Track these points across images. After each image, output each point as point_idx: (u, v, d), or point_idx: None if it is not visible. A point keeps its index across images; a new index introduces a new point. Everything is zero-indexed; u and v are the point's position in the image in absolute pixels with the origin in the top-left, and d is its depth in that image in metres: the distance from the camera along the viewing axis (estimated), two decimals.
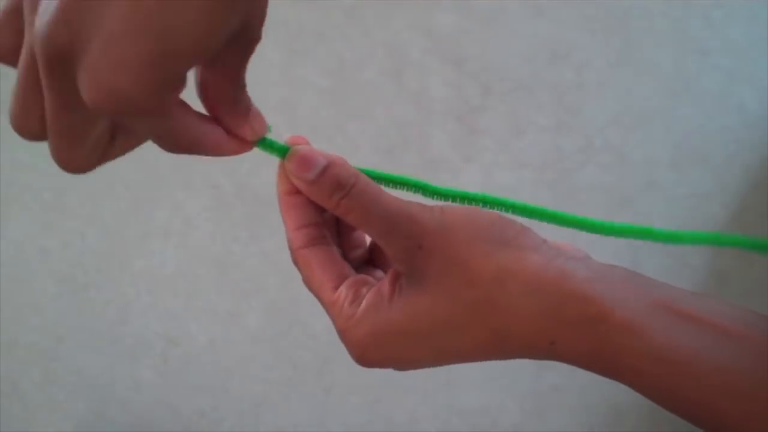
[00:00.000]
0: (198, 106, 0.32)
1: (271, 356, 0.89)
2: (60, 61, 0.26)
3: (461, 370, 0.89)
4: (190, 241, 0.93)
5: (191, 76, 0.31)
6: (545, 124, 0.87)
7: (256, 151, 0.36)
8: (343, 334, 0.35)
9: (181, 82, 0.28)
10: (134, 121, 0.28)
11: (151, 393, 0.91)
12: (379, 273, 0.40)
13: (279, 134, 0.35)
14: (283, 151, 0.36)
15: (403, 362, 0.35)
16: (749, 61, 0.85)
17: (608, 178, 0.85)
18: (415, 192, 0.38)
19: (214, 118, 0.33)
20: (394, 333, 0.34)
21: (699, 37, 0.86)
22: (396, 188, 0.37)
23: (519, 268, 0.33)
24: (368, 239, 0.41)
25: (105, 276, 0.94)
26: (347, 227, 0.40)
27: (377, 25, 0.93)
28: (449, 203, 0.36)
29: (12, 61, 0.30)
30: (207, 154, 0.34)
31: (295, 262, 0.38)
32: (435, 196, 0.37)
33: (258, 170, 0.91)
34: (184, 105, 0.31)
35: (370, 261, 0.41)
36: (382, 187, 0.36)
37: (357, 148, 0.90)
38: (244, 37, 0.29)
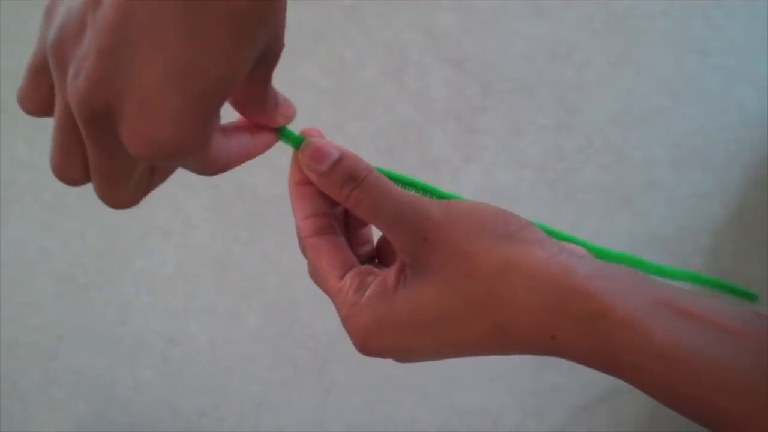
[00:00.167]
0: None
1: (271, 356, 0.89)
2: (99, 118, 0.27)
3: (461, 370, 0.89)
4: (190, 241, 0.93)
5: None
6: (545, 124, 0.87)
7: None
8: (346, 321, 0.35)
9: (217, 118, 0.29)
10: (179, 162, 0.29)
11: (151, 393, 0.91)
12: (385, 270, 0.40)
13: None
14: (297, 142, 0.37)
15: (404, 352, 0.35)
16: (749, 61, 0.85)
17: (608, 178, 0.85)
18: (422, 194, 0.39)
19: (245, 116, 0.35)
20: (396, 322, 0.34)
21: (699, 37, 0.86)
22: (403, 188, 0.38)
23: (522, 261, 0.33)
24: (375, 237, 0.41)
25: (105, 276, 0.94)
26: (355, 224, 0.40)
27: (377, 25, 0.93)
28: (455, 199, 0.37)
29: (44, 113, 0.31)
30: (237, 165, 0.36)
31: (303, 250, 0.38)
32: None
33: (258, 170, 0.91)
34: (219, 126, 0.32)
35: (377, 258, 0.41)
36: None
37: (357, 148, 0.90)
38: (271, 51, 0.30)
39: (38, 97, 0.31)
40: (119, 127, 0.27)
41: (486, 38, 0.91)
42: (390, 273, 0.35)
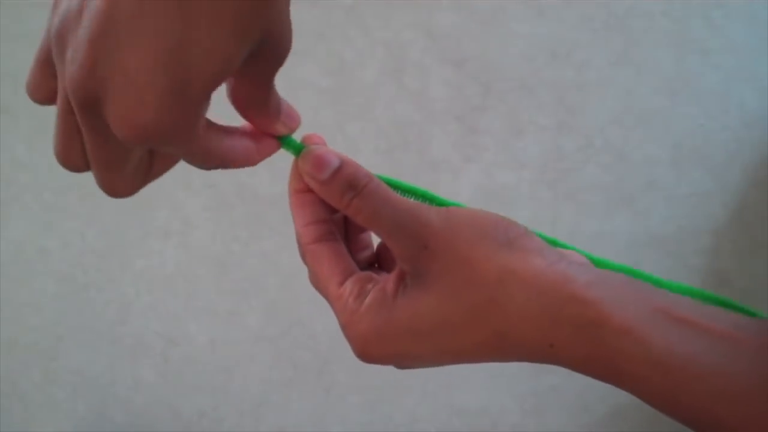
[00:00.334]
0: (225, 108, 0.32)
1: (271, 356, 0.89)
2: (91, 104, 0.28)
3: (461, 370, 0.89)
4: (190, 241, 0.93)
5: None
6: (545, 124, 0.87)
7: None
8: (346, 329, 0.36)
9: (204, 106, 0.29)
10: (165, 147, 0.29)
11: (151, 393, 0.91)
12: (384, 276, 0.40)
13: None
14: (297, 150, 0.37)
15: (403, 359, 0.35)
16: (749, 61, 0.85)
17: (608, 178, 0.85)
18: (421, 201, 0.39)
19: (246, 119, 0.35)
20: (396, 330, 0.34)
21: (699, 37, 0.86)
22: (403, 195, 0.38)
23: (521, 269, 0.33)
24: (375, 242, 0.41)
25: (105, 276, 0.94)
26: (355, 229, 0.40)
27: (377, 25, 0.93)
28: (455, 207, 0.37)
29: (52, 102, 0.32)
30: (237, 166, 0.35)
31: (303, 257, 0.38)
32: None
33: (258, 170, 0.91)
34: (211, 124, 0.32)
35: (377, 263, 0.41)
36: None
37: (357, 148, 0.90)
38: (271, 50, 0.30)
39: (46, 86, 0.31)
40: (106, 112, 0.28)
41: (486, 38, 0.91)
42: (390, 280, 0.35)
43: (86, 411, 0.91)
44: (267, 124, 0.35)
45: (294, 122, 0.37)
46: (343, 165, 0.36)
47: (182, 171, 0.93)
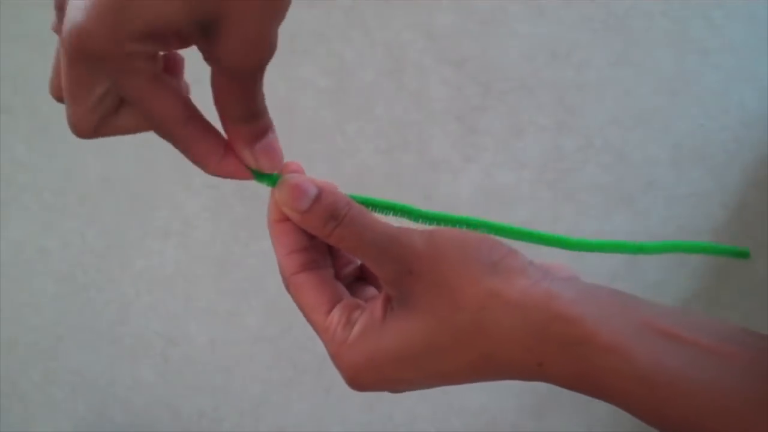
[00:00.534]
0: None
1: (271, 356, 0.89)
2: (60, 19, 0.30)
3: None
4: (190, 241, 0.93)
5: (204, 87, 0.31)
6: (545, 124, 0.87)
7: None
8: (336, 359, 0.35)
9: (144, 39, 0.29)
10: (105, 72, 0.31)
11: (151, 393, 0.91)
12: (370, 289, 0.40)
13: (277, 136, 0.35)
14: (272, 180, 0.36)
15: (395, 385, 0.35)
16: (749, 61, 0.85)
17: (608, 178, 0.85)
18: (401, 216, 0.38)
19: (223, 125, 0.34)
20: (385, 357, 0.34)
21: (699, 37, 0.86)
22: (382, 213, 0.38)
23: (505, 291, 0.33)
24: None
25: (105, 276, 0.94)
26: None
27: (377, 25, 0.93)
28: (438, 227, 0.37)
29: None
30: (193, 160, 0.35)
31: (287, 288, 0.38)
32: (421, 220, 0.38)
33: None
34: (174, 89, 0.32)
35: (362, 277, 0.41)
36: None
37: (357, 148, 0.90)
38: (233, 40, 0.29)
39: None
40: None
41: (486, 38, 0.91)
42: (377, 306, 0.35)
43: (86, 411, 0.91)
44: (237, 142, 0.35)
45: (267, 161, 0.36)
46: (321, 193, 0.36)
47: (182, 171, 0.93)
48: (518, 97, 0.88)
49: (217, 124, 0.34)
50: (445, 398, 0.84)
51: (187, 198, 0.93)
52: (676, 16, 0.87)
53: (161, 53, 0.31)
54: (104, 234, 0.95)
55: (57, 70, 0.34)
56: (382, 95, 0.91)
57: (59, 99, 0.35)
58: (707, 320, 0.32)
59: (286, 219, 0.37)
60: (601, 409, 0.80)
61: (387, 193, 0.90)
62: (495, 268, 0.34)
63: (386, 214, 0.38)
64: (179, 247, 0.93)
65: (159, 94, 0.32)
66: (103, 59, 0.30)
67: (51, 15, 0.33)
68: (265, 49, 0.31)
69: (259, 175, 0.36)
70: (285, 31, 0.30)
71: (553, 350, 0.32)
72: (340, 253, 0.40)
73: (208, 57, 0.31)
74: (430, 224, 0.38)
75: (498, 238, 0.36)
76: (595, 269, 0.81)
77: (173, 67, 0.36)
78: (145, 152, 0.94)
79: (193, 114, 0.34)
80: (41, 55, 1.00)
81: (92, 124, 0.34)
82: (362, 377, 0.35)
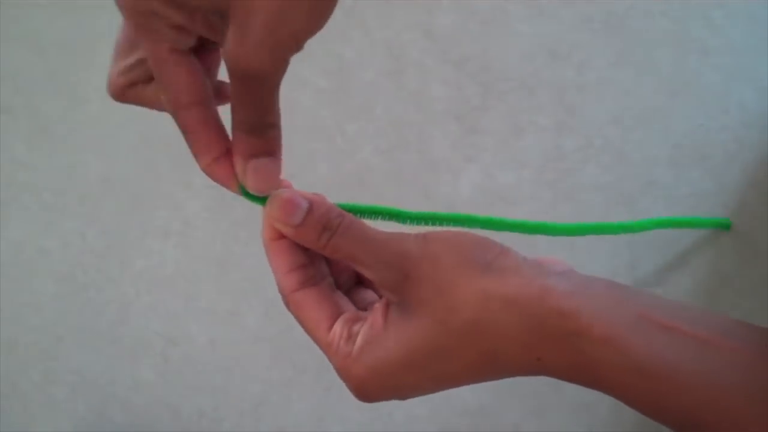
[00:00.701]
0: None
1: (271, 356, 0.89)
2: None
3: None
4: (190, 241, 0.93)
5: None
6: (545, 124, 0.87)
7: None
8: (342, 373, 0.36)
9: (168, 2, 0.30)
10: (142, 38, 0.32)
11: (151, 393, 0.91)
12: (370, 293, 0.40)
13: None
14: (257, 199, 0.36)
15: (402, 392, 0.36)
16: (749, 61, 0.85)
17: (608, 178, 0.85)
18: (389, 220, 0.39)
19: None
20: (390, 366, 0.35)
21: (699, 37, 0.86)
22: (369, 218, 0.38)
23: (501, 290, 0.33)
24: None
25: (105, 276, 0.94)
26: None
27: (377, 25, 0.93)
28: (431, 230, 0.37)
29: (126, 99, 0.38)
30: (191, 150, 0.35)
31: (287, 306, 0.38)
32: (408, 221, 0.38)
33: None
34: (193, 71, 0.33)
35: (361, 281, 0.41)
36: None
37: (357, 148, 0.90)
38: (233, 37, 0.29)
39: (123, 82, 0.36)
40: None
41: (486, 38, 0.91)
42: (377, 315, 0.36)
43: (86, 411, 0.91)
44: (234, 150, 0.35)
45: (254, 182, 0.36)
46: (313, 206, 0.36)
47: (182, 171, 0.93)
48: (518, 97, 0.88)
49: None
50: (445, 398, 0.84)
51: (187, 198, 0.93)
52: (676, 16, 0.87)
53: (191, 34, 0.31)
54: (104, 234, 0.95)
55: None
56: (382, 95, 0.91)
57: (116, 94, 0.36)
58: (706, 313, 0.32)
59: (282, 237, 0.37)
60: (602, 409, 0.80)
61: (387, 193, 0.90)
62: (489, 267, 0.34)
63: (374, 218, 0.38)
64: (179, 247, 0.93)
65: (174, 68, 0.32)
66: (129, 11, 0.30)
67: None
68: (265, 56, 0.30)
69: (245, 191, 0.36)
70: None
71: (550, 344, 0.32)
72: (337, 260, 0.40)
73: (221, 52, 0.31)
74: (418, 225, 0.38)
75: (491, 237, 0.36)
76: (595, 269, 0.81)
77: (207, 61, 0.36)
78: (145, 152, 0.94)
79: (201, 102, 0.34)
80: (41, 55, 1.00)
81: (120, 86, 0.36)
82: (369, 389, 0.35)
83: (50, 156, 0.95)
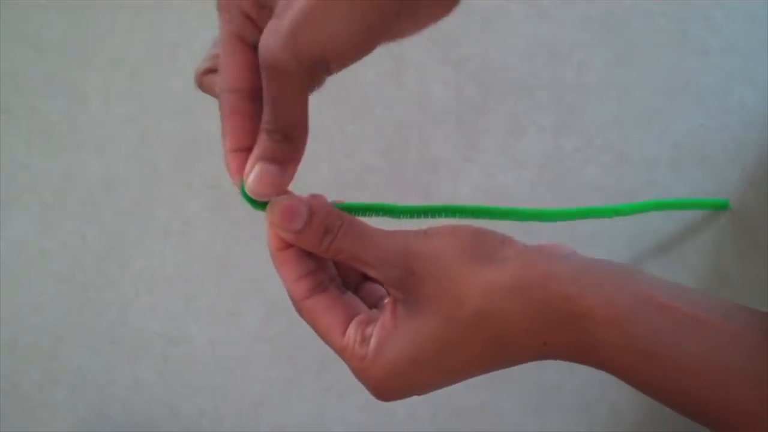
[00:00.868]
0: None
1: (271, 356, 0.89)
2: None
3: None
4: (190, 241, 0.93)
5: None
6: (545, 124, 0.87)
7: None
8: (359, 374, 0.37)
9: (232, 4, 0.32)
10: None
11: (151, 393, 0.91)
12: (378, 288, 0.41)
13: None
14: (255, 203, 0.37)
15: (420, 388, 0.37)
16: (749, 61, 0.85)
17: (608, 178, 0.85)
18: (383, 215, 0.39)
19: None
20: (403, 364, 0.35)
21: (699, 36, 0.86)
22: (364, 216, 0.38)
23: (504, 279, 0.34)
24: None
25: (105, 276, 0.94)
26: None
27: None
28: (432, 225, 0.38)
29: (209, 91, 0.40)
30: (222, 131, 0.35)
31: (300, 313, 0.39)
32: (403, 215, 0.39)
33: None
34: (246, 60, 0.34)
35: (369, 277, 0.41)
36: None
37: (357, 148, 0.90)
38: (270, 25, 0.31)
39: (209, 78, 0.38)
40: None
41: (486, 38, 0.91)
42: (387, 315, 0.36)
43: (86, 411, 0.91)
44: (256, 142, 0.36)
45: (252, 183, 0.37)
46: (313, 211, 0.37)
47: (182, 171, 0.93)
48: (518, 97, 0.88)
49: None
50: (445, 398, 0.84)
51: (187, 198, 0.93)
52: (676, 16, 0.87)
53: (257, 27, 0.32)
54: (104, 234, 0.95)
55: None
56: (382, 95, 0.91)
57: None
58: (708, 297, 0.33)
59: (288, 246, 0.38)
60: (602, 409, 0.80)
61: (387, 193, 0.90)
62: (491, 258, 0.35)
63: (369, 215, 0.39)
64: (179, 247, 0.93)
65: (231, 51, 0.34)
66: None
67: None
68: (287, 52, 0.32)
69: (245, 193, 0.37)
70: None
71: (555, 328, 0.33)
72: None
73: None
74: (412, 218, 0.38)
75: (490, 227, 0.37)
76: None
77: None
78: (145, 152, 0.94)
79: (241, 91, 0.35)
80: (41, 55, 1.00)
81: (199, 72, 0.37)
82: (387, 388, 0.36)
83: (50, 156, 0.95)
